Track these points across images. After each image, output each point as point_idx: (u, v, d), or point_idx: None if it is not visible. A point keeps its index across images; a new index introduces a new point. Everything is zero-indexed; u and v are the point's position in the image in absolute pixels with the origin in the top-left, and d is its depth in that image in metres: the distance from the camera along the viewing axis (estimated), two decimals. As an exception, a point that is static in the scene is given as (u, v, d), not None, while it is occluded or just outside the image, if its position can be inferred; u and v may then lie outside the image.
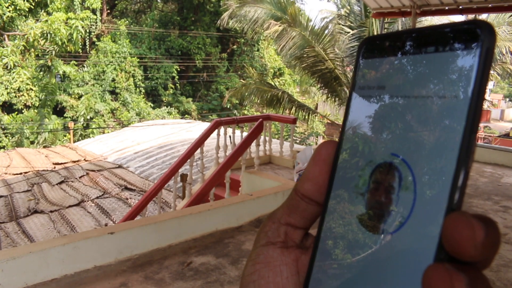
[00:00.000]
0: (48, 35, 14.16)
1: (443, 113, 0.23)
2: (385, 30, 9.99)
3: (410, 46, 0.25)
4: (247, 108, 21.15)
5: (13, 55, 15.32)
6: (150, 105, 20.20)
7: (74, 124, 17.71)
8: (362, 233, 0.25)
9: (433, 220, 0.22)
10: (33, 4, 15.02)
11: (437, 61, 0.24)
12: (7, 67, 15.78)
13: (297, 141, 18.85)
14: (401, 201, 0.24)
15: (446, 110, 0.23)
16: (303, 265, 0.28)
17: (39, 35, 14.26)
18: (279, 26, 10.64)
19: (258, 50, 22.53)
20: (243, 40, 22.42)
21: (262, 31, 13.51)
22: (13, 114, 16.85)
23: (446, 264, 0.20)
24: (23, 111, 17.04)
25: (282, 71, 22.51)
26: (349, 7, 11.37)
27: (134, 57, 19.76)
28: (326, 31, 10.99)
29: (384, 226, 0.24)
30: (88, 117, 18.11)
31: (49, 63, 15.97)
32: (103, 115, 18.36)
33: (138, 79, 19.92)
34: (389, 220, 0.24)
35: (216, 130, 5.28)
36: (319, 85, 11.24)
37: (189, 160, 5.07)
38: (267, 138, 5.86)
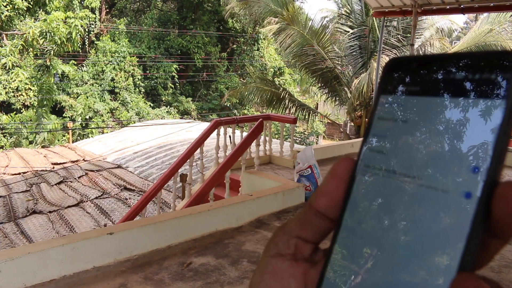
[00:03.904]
0: (47, 34, 14.11)
1: (467, 147, 0.23)
2: (386, 28, 9.97)
3: (445, 72, 0.24)
4: (247, 107, 21.13)
5: (11, 54, 15.28)
6: (150, 105, 20.18)
7: (73, 124, 17.69)
8: (373, 252, 0.25)
9: (449, 252, 0.22)
10: (31, 3, 14.96)
11: (473, 91, 0.23)
12: (5, 66, 15.74)
13: (297, 141, 18.83)
14: (417, 229, 0.23)
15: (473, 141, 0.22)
16: (311, 279, 0.28)
17: (38, 34, 14.21)
18: (278, 23, 10.63)
19: (258, 49, 22.51)
20: (243, 39, 22.41)
21: (263, 30, 13.48)
22: (11, 114, 16.80)
23: None
24: (21, 111, 17.00)
25: (282, 71, 22.49)
26: (349, 6, 11.36)
27: (133, 56, 19.73)
28: (326, 30, 10.98)
29: (396, 250, 0.24)
30: (87, 117, 18.08)
31: (48, 63, 15.93)
32: (102, 115, 18.34)
33: (138, 78, 19.90)
34: (402, 246, 0.24)
35: (216, 130, 5.25)
36: (319, 85, 11.22)
37: (188, 160, 5.05)
38: (267, 138, 5.84)
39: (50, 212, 6.68)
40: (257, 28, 21.17)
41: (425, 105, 0.25)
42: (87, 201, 7.14)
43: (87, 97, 18.40)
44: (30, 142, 16.53)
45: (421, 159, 0.24)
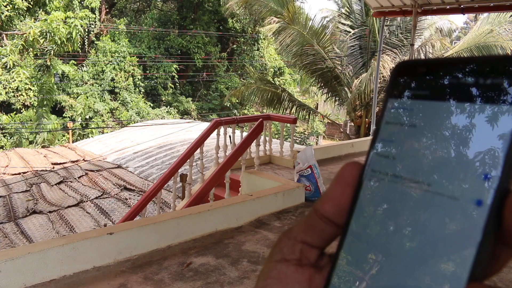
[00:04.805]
0: (47, 34, 14.12)
1: (481, 152, 0.22)
2: (388, 28, 9.96)
3: (455, 76, 0.24)
4: (247, 107, 21.13)
5: (11, 54, 15.28)
6: (150, 105, 20.18)
7: (73, 124, 17.69)
8: (379, 259, 0.24)
9: (458, 261, 0.21)
10: (31, 3, 14.97)
11: (486, 96, 0.22)
12: (6, 66, 15.74)
13: (297, 141, 18.83)
14: (425, 236, 0.23)
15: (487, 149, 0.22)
16: (317, 284, 0.27)
17: (38, 34, 14.22)
18: (278, 23, 10.63)
19: (258, 49, 22.51)
20: (243, 39, 22.40)
21: (263, 29, 13.47)
22: (11, 114, 16.80)
23: None
24: (21, 111, 17.00)
25: (282, 71, 22.49)
26: (349, 6, 11.36)
27: (133, 56, 19.72)
28: (326, 30, 10.98)
29: (403, 257, 0.23)
30: (87, 117, 18.08)
31: (48, 63, 15.93)
32: (102, 115, 18.34)
33: (138, 78, 19.90)
34: (410, 253, 0.23)
35: (216, 130, 5.25)
36: (319, 85, 11.22)
37: (188, 160, 5.05)
38: (267, 138, 5.84)
39: (50, 212, 6.68)
40: (257, 28, 21.17)
41: (435, 110, 0.24)
42: (87, 201, 7.14)
43: (87, 97, 18.40)
44: (30, 142, 16.52)
45: (430, 165, 0.23)
